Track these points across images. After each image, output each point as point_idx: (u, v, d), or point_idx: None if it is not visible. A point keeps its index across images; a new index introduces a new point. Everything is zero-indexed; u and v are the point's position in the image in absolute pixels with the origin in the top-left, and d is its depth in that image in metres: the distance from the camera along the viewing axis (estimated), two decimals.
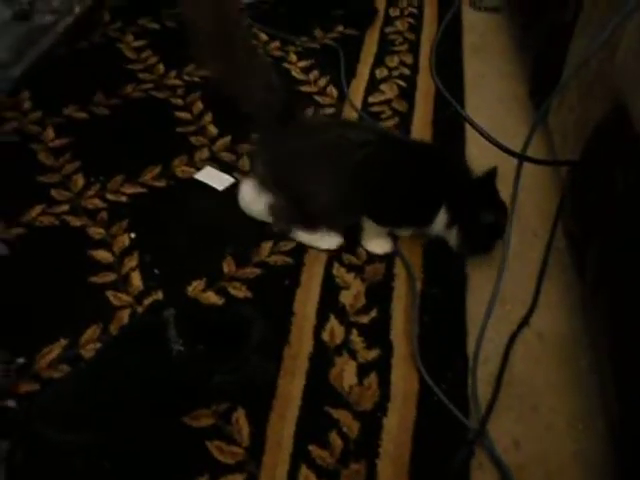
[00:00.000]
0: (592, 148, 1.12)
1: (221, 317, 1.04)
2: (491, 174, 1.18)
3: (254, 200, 1.29)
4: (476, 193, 1.20)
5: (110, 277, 1.20)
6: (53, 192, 1.37)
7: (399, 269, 1.26)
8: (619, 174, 0.98)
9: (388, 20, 2.16)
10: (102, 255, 1.24)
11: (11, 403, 0.99)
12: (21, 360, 1.05)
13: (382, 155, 1.20)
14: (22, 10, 1.52)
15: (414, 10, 2.22)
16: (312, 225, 1.26)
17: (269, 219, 1.31)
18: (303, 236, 1.28)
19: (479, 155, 1.25)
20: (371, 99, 1.74)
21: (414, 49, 1.99)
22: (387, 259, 1.27)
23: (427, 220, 1.21)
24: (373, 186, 1.20)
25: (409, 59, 1.93)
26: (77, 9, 1.60)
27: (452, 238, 1.23)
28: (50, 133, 1.53)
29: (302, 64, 1.86)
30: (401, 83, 1.81)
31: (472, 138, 1.55)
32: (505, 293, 1.19)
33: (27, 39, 1.44)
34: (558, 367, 1.11)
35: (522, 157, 1.13)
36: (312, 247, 1.28)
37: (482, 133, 1.19)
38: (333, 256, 1.27)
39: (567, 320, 1.18)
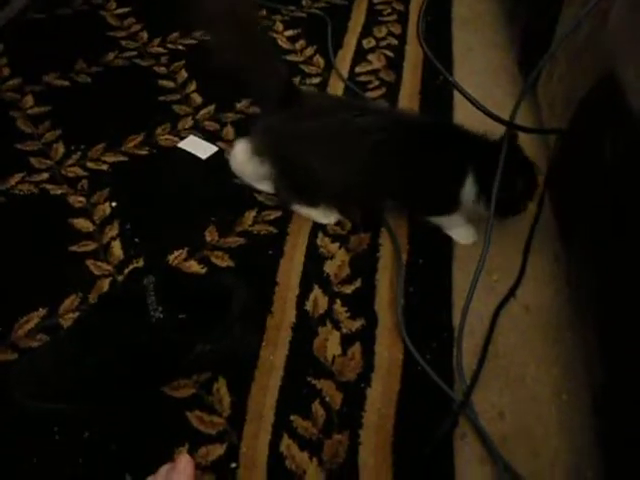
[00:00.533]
0: (581, 116, 1.10)
1: (203, 285, 1.02)
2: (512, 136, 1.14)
3: (246, 162, 1.26)
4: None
5: (90, 246, 1.18)
6: (32, 160, 1.35)
7: (384, 239, 1.24)
8: (607, 142, 0.96)
9: None
10: (82, 224, 1.22)
11: None
12: None
13: (398, 139, 1.17)
14: None
15: None
16: (312, 202, 1.25)
17: (257, 184, 1.30)
18: (302, 209, 1.26)
19: (466, 124, 1.23)
20: (358, 69, 1.71)
21: (402, 20, 1.96)
22: (372, 229, 1.25)
23: (456, 196, 1.18)
24: (398, 172, 1.18)
25: (397, 29, 1.90)
26: None
27: (480, 209, 1.20)
28: (29, 100, 1.50)
29: (288, 33, 1.83)
30: (389, 53, 1.78)
31: (459, 108, 1.53)
32: (492, 264, 1.18)
33: None
34: (544, 339, 1.10)
35: (510, 124, 1.11)
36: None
37: (470, 99, 1.17)
38: (317, 226, 1.25)
39: (553, 292, 1.17)
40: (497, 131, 1.16)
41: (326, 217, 1.25)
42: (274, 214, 1.26)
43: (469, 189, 1.15)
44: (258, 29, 1.18)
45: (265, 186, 1.29)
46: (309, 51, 1.76)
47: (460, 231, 1.24)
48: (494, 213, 1.16)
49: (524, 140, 1.27)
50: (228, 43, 1.14)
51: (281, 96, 1.18)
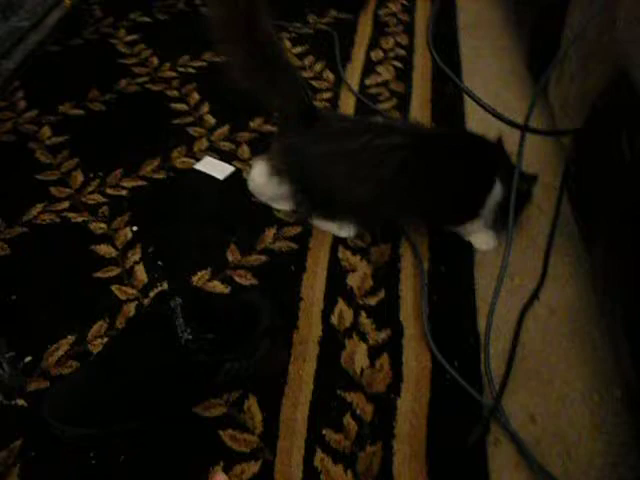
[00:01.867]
0: (595, 115, 1.10)
1: (229, 304, 1.03)
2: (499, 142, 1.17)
3: (264, 183, 1.27)
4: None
5: (114, 271, 1.19)
6: (53, 190, 1.36)
7: (405, 249, 1.24)
8: (625, 140, 0.96)
9: (381, 2, 2.14)
10: (105, 250, 1.23)
11: (21, 402, 0.98)
12: (28, 359, 1.04)
13: (420, 155, 1.17)
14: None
15: None
16: (333, 217, 1.26)
17: (276, 204, 1.31)
18: (322, 224, 1.27)
19: (480, 130, 1.23)
20: (368, 82, 1.73)
21: (409, 30, 1.98)
22: (392, 240, 1.26)
23: (482, 202, 1.19)
24: (423, 187, 1.18)
25: (404, 40, 1.92)
26: (66, 2, 1.58)
27: (491, 222, 1.22)
28: (47, 131, 1.52)
29: (297, 50, 1.85)
30: (397, 64, 1.80)
31: (471, 114, 1.54)
32: (513, 267, 1.19)
33: (15, 34, 1.42)
34: (570, 339, 1.10)
35: (525, 128, 1.11)
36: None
37: (482, 105, 1.17)
38: (338, 240, 1.26)
39: (577, 291, 1.17)
40: (511, 134, 1.17)
41: (346, 230, 1.26)
42: (294, 230, 1.27)
43: (495, 195, 1.16)
44: (278, 48, 1.18)
45: (283, 205, 1.30)
46: (318, 67, 1.78)
47: (480, 237, 1.24)
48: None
49: (538, 143, 1.28)
50: (246, 62, 1.15)
51: (300, 116, 1.18)
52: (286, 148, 1.21)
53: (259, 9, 1.12)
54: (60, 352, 1.06)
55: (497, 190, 1.17)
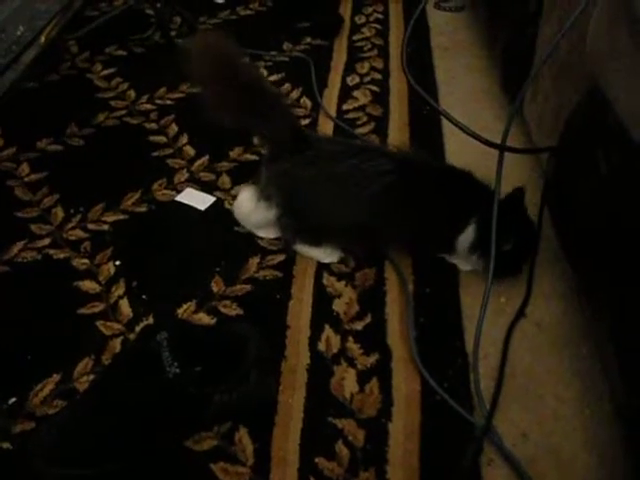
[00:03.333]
0: (571, 132, 1.11)
1: (215, 336, 1.02)
2: (518, 194, 1.17)
3: (252, 210, 1.26)
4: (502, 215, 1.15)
5: (98, 307, 1.18)
6: (33, 227, 1.35)
7: (389, 272, 1.24)
8: (600, 156, 0.97)
9: (355, 28, 2.17)
10: (88, 285, 1.22)
11: (5, 445, 0.96)
12: (13, 400, 1.03)
13: (403, 184, 1.17)
14: None
15: (379, 16, 2.24)
16: (317, 242, 1.25)
17: (261, 232, 1.31)
18: (305, 250, 1.27)
19: (458, 151, 1.25)
20: (345, 106, 1.74)
21: (383, 54, 2.00)
22: (376, 263, 1.26)
23: (452, 242, 1.19)
24: (403, 214, 1.19)
25: (379, 64, 1.94)
26: (42, 40, 1.58)
27: (472, 262, 1.22)
28: (25, 168, 1.52)
29: (273, 78, 1.86)
30: (374, 88, 1.82)
31: (450, 135, 1.55)
32: (498, 286, 1.19)
33: None
34: (559, 355, 1.10)
35: (503, 147, 1.12)
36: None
37: (460, 126, 1.18)
38: (322, 266, 1.26)
39: (563, 307, 1.18)
40: (489, 154, 1.18)
41: (330, 256, 1.26)
42: (278, 258, 1.27)
43: (465, 238, 1.17)
44: (258, 77, 1.19)
45: (268, 232, 1.30)
46: (295, 94, 1.79)
47: (462, 260, 1.24)
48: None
49: (517, 162, 1.29)
50: (232, 101, 1.16)
51: (292, 142, 1.19)
52: (276, 174, 1.21)
53: (227, 47, 1.15)
54: (46, 391, 1.04)
55: (469, 234, 1.17)
